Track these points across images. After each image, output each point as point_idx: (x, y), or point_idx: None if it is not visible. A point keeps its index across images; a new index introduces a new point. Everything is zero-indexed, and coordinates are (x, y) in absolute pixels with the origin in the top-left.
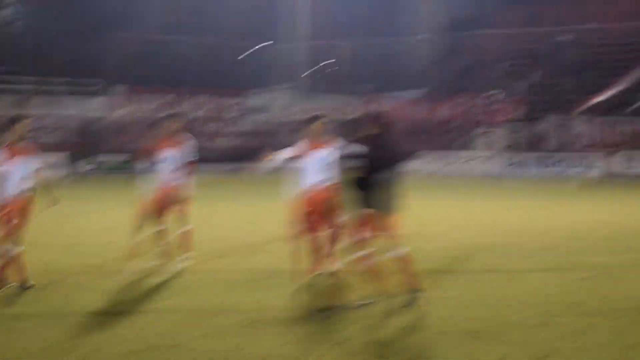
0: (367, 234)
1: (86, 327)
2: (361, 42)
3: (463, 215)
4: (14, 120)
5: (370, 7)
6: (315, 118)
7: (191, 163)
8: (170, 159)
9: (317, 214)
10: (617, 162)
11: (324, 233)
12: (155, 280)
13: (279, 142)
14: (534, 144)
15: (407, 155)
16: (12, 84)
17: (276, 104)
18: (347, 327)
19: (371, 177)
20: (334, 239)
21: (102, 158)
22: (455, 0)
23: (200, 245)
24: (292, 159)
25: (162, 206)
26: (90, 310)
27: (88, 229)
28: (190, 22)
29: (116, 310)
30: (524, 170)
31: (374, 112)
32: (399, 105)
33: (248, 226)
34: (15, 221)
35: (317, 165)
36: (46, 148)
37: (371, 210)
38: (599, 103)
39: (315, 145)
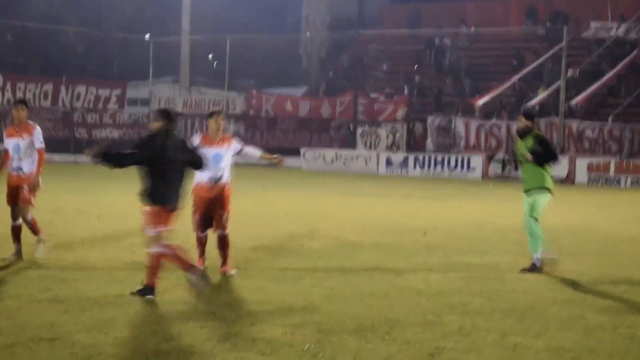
0: (160, 227)
1: None
2: (245, 38)
3: (346, 212)
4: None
5: (256, 3)
6: (211, 114)
7: (39, 151)
8: (16, 146)
9: (204, 210)
10: (496, 165)
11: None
12: (31, 270)
13: None
14: (414, 145)
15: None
16: None
17: (157, 96)
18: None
19: (160, 171)
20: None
21: None
22: (340, 1)
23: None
24: None
25: (13, 194)
26: None
27: None
28: (72, 13)
29: None
30: (404, 170)
31: (163, 108)
32: (281, 101)
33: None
34: None
35: (210, 162)
36: None
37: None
38: (478, 106)
39: (209, 141)
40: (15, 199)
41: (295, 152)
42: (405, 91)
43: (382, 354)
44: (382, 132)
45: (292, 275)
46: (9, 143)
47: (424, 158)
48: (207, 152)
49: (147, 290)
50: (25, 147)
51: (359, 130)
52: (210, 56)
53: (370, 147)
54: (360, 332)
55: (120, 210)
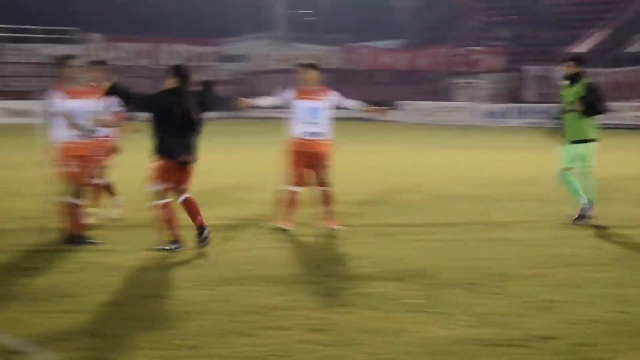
0: (164, 183)
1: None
2: None
3: (446, 165)
4: (62, 61)
5: None
6: (301, 65)
7: (116, 114)
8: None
9: (305, 166)
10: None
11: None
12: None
13: (256, 91)
14: (513, 95)
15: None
16: None
17: (253, 52)
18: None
19: (169, 126)
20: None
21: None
22: None
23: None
24: (278, 106)
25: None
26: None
27: None
28: None
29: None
30: (504, 121)
31: (176, 64)
32: (377, 54)
33: (235, 175)
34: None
35: (306, 115)
36: (22, 95)
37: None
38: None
39: (305, 94)
40: None
41: (392, 106)
42: (503, 40)
43: (494, 308)
44: (481, 82)
45: (396, 229)
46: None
47: (524, 108)
48: (301, 105)
49: (172, 243)
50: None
51: (457, 82)
52: (305, 11)
53: (469, 98)
54: (469, 286)
55: (221, 166)
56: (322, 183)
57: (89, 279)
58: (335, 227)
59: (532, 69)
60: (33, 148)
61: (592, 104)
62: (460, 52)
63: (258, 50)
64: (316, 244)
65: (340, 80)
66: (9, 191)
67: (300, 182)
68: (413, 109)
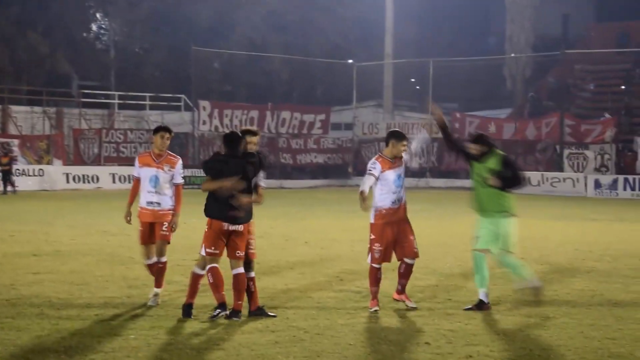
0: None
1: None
2: (447, 60)
3: (556, 236)
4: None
5: (458, 25)
6: (391, 135)
7: (178, 186)
8: (153, 178)
9: (389, 238)
10: None
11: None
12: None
13: (362, 159)
14: (623, 166)
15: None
16: (99, 99)
17: (360, 121)
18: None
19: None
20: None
21: (186, 172)
22: (544, 20)
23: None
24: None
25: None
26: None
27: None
28: (277, 39)
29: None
30: (614, 192)
31: (225, 133)
32: (485, 123)
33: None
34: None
35: (393, 185)
36: (131, 162)
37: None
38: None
39: (386, 164)
40: (151, 237)
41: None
42: (614, 111)
43: None
44: (590, 153)
45: (505, 304)
46: (145, 173)
47: (634, 180)
48: (389, 175)
49: (217, 308)
50: (164, 180)
51: (566, 152)
52: (412, 80)
53: (578, 169)
54: None
55: (327, 235)
56: (409, 254)
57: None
58: (411, 303)
59: None
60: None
61: (509, 179)
62: (569, 122)
63: (365, 118)
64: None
65: (446, 149)
66: (113, 257)
67: (384, 257)
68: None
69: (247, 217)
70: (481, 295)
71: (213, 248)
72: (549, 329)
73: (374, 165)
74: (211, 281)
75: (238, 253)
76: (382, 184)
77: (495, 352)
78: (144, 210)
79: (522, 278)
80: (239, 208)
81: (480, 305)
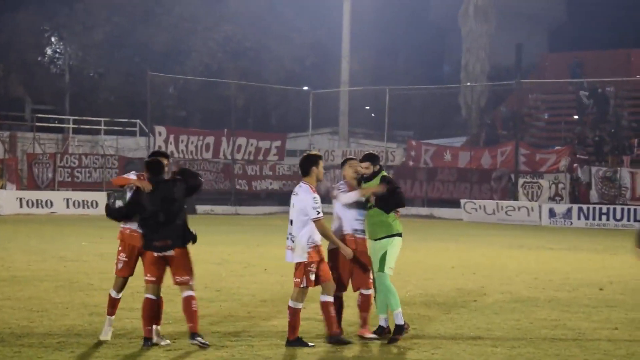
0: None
1: None
2: (403, 88)
3: (514, 265)
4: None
5: (414, 53)
6: (345, 161)
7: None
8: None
9: (345, 266)
10: None
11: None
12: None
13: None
14: (577, 195)
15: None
16: (53, 123)
17: (316, 148)
18: None
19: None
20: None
21: None
22: (499, 49)
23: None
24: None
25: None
26: None
27: None
28: (232, 65)
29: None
30: (568, 221)
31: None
32: (441, 152)
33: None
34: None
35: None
36: (86, 187)
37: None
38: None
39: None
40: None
41: (455, 204)
42: (567, 141)
43: None
44: (544, 182)
45: (469, 333)
46: None
47: (588, 209)
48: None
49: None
50: None
51: (521, 181)
52: (368, 107)
53: (532, 197)
54: None
55: (286, 263)
56: (364, 285)
57: None
58: (368, 335)
59: (596, 170)
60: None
61: (387, 199)
62: (524, 151)
63: (321, 145)
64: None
65: (402, 176)
66: (71, 284)
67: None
68: (476, 207)
69: (177, 243)
70: (381, 321)
71: (149, 275)
72: (515, 359)
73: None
74: (142, 312)
75: (177, 279)
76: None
77: None
78: (134, 233)
79: (392, 307)
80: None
81: (380, 331)
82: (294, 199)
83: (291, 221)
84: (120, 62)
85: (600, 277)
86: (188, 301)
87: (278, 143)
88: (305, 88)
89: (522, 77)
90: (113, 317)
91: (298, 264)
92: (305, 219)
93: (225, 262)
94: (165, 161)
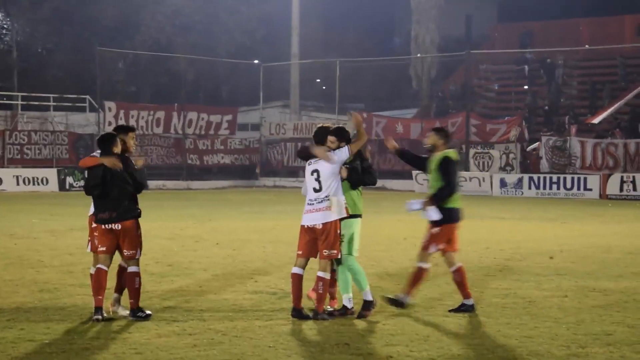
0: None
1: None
2: (354, 61)
3: (466, 235)
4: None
5: (363, 26)
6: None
7: None
8: None
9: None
10: (612, 184)
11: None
12: (156, 299)
13: (270, 159)
14: (528, 165)
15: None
16: (1, 100)
17: (267, 121)
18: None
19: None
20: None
21: None
22: (449, 21)
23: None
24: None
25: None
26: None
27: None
28: (182, 39)
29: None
30: (519, 191)
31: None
32: (392, 124)
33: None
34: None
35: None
36: (35, 164)
37: None
38: (593, 124)
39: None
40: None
41: (407, 175)
42: (518, 111)
43: None
44: (495, 152)
45: (422, 304)
46: None
47: (538, 178)
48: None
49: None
50: None
51: (472, 152)
52: (319, 80)
53: (483, 168)
54: None
55: (238, 237)
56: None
57: None
58: (330, 307)
59: (546, 140)
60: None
61: (357, 173)
62: (475, 122)
63: (272, 119)
64: (342, 319)
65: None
66: (21, 261)
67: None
68: (427, 179)
69: (122, 216)
70: (344, 300)
71: (100, 246)
72: (466, 328)
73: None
74: (93, 282)
75: (124, 252)
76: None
77: (415, 352)
78: None
79: (361, 287)
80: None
81: (344, 311)
82: (315, 166)
83: (318, 189)
84: (69, 37)
85: (551, 246)
86: (132, 277)
87: (229, 117)
88: (256, 61)
89: (472, 48)
90: (118, 294)
91: (333, 238)
92: (337, 177)
93: (177, 236)
94: (130, 135)
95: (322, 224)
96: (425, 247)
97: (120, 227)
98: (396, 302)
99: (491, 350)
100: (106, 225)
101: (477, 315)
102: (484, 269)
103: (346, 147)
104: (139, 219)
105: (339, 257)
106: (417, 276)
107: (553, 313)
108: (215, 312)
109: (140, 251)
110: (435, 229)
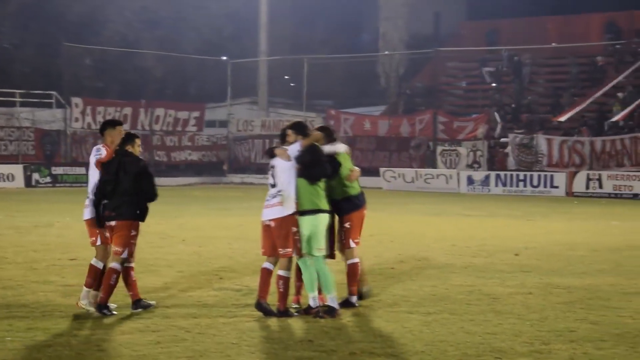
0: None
1: None
2: (322, 58)
3: (432, 233)
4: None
5: (331, 23)
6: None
7: None
8: None
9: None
10: (578, 182)
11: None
12: (119, 295)
13: (237, 157)
14: (495, 162)
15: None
16: None
17: (235, 118)
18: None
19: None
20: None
21: (58, 171)
22: (417, 18)
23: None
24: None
25: None
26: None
27: (48, 243)
28: (149, 36)
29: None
30: (486, 188)
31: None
32: (360, 121)
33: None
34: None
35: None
36: (1, 160)
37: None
38: (560, 122)
39: None
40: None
41: (374, 172)
42: (485, 108)
43: None
44: (463, 150)
45: (386, 300)
46: None
47: (505, 176)
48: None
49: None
50: None
51: (439, 149)
52: (287, 77)
53: (451, 165)
54: None
55: (204, 233)
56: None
57: None
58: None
59: (513, 137)
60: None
61: (308, 164)
62: (442, 119)
63: (240, 115)
64: (308, 317)
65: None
66: None
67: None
68: (395, 176)
69: (117, 216)
70: (310, 300)
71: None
72: (430, 324)
73: None
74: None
75: (113, 247)
76: None
77: (378, 348)
78: None
79: (326, 290)
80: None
81: (308, 310)
82: (273, 162)
83: (273, 184)
84: (35, 33)
85: (516, 243)
86: (110, 273)
87: (197, 114)
88: (224, 58)
89: (440, 45)
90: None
91: (285, 235)
92: (291, 173)
93: (143, 233)
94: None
95: (274, 219)
96: (346, 246)
97: (115, 223)
98: (348, 303)
99: (455, 346)
100: (107, 222)
101: (441, 312)
102: (449, 266)
103: (299, 141)
104: (140, 223)
105: (295, 255)
106: (353, 273)
107: (517, 310)
108: (179, 309)
109: (129, 253)
110: (347, 224)
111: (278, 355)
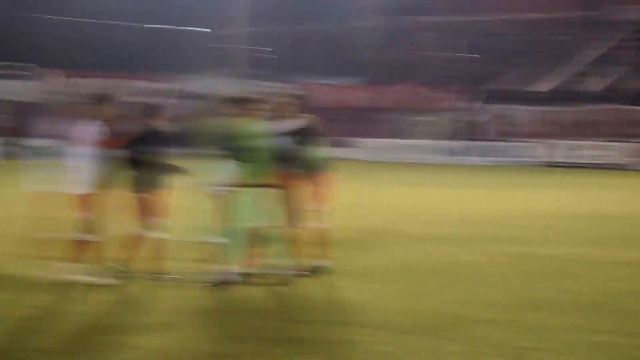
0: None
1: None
2: (301, 28)
3: (411, 203)
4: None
5: None
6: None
7: None
8: None
9: None
10: (559, 151)
11: None
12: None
13: None
14: (474, 133)
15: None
16: None
17: (213, 89)
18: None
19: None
20: None
21: (36, 142)
22: None
23: None
24: None
25: None
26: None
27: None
28: (129, 7)
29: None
30: (465, 159)
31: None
32: (338, 92)
33: None
34: None
35: None
36: None
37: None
38: (539, 92)
39: None
40: None
41: (353, 143)
42: (464, 79)
43: (460, 355)
44: (442, 120)
45: (362, 272)
46: None
47: (484, 146)
48: None
49: None
50: None
51: (417, 120)
52: (265, 48)
53: (430, 136)
54: (435, 332)
55: None
56: None
57: None
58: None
59: (492, 108)
60: None
61: None
62: (420, 90)
63: (217, 88)
64: (278, 287)
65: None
66: None
67: None
68: (373, 147)
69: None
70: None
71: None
72: (403, 294)
73: None
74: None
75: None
76: None
77: (352, 318)
78: None
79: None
80: None
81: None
82: None
83: None
84: (9, 3)
85: (493, 213)
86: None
87: (176, 85)
88: (204, 29)
89: (418, 15)
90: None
91: None
92: None
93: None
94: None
95: None
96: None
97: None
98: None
99: (429, 316)
100: None
101: (414, 282)
102: (424, 236)
103: None
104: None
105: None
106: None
107: (490, 279)
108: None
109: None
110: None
111: (252, 326)
